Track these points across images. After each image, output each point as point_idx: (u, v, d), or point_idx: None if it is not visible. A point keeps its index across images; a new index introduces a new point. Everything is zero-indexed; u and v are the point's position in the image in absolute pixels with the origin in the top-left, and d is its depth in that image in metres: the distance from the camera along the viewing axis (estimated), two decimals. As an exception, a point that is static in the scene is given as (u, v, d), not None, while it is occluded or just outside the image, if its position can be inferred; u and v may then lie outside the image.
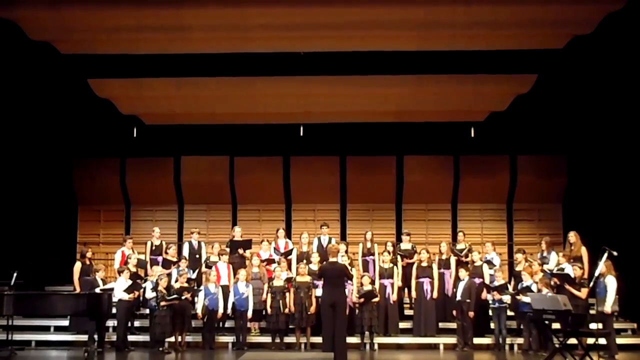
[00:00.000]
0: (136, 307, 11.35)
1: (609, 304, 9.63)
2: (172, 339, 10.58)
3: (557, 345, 9.18)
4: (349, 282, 10.63)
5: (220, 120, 13.58)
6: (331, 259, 9.45)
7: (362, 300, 10.68)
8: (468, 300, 10.69)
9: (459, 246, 12.04)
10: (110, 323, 11.11)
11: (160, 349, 10.42)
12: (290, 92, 12.21)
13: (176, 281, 10.99)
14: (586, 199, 13.86)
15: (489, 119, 13.38)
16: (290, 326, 10.92)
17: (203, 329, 10.91)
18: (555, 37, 10.16)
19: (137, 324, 11.51)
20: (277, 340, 10.88)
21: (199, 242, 12.32)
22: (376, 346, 10.82)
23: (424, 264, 11.35)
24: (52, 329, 11.73)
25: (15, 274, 10.75)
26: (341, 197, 15.34)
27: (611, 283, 9.67)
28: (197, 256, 12.06)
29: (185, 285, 10.76)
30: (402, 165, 15.10)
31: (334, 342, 9.02)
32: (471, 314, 10.68)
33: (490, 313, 11.03)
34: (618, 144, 12.61)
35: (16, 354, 10.14)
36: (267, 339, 11.05)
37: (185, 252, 12.07)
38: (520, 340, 10.61)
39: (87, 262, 11.54)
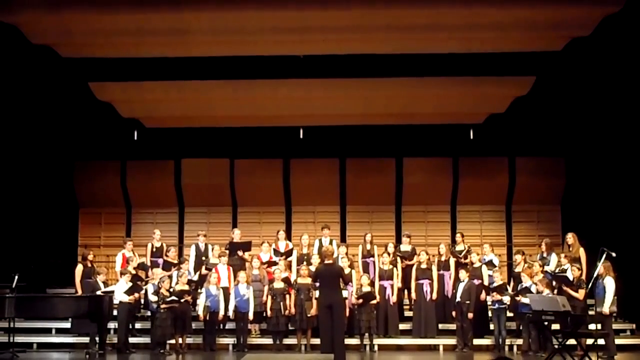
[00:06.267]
0: (137, 309, 11.38)
1: (608, 305, 9.67)
2: (173, 341, 10.63)
3: (556, 346, 9.23)
4: (349, 284, 10.69)
5: (220, 123, 13.62)
6: (327, 261, 9.42)
7: (360, 301, 10.72)
8: (468, 302, 10.73)
9: (458, 247, 12.07)
10: (112, 325, 11.12)
11: (162, 351, 10.47)
12: (290, 95, 12.24)
13: (176, 283, 11.03)
14: (585, 201, 13.89)
15: (487, 121, 13.40)
16: (291, 328, 10.97)
17: (204, 330, 10.94)
18: (554, 39, 10.19)
19: (138, 326, 11.53)
20: (278, 342, 10.92)
21: (206, 245, 12.35)
22: (376, 347, 10.87)
23: (424, 265, 11.39)
24: (53, 331, 11.74)
25: (16, 277, 10.75)
26: (341, 199, 15.37)
27: (610, 284, 9.70)
28: (204, 258, 12.08)
29: (186, 287, 10.81)
30: (401, 167, 15.13)
31: (332, 343, 9.04)
32: (471, 315, 10.71)
33: (490, 314, 11.07)
34: (616, 146, 12.64)
35: (18, 356, 10.15)
36: (267, 341, 11.09)
37: (192, 254, 12.15)
38: (520, 341, 10.64)
39: (89, 265, 11.57)
